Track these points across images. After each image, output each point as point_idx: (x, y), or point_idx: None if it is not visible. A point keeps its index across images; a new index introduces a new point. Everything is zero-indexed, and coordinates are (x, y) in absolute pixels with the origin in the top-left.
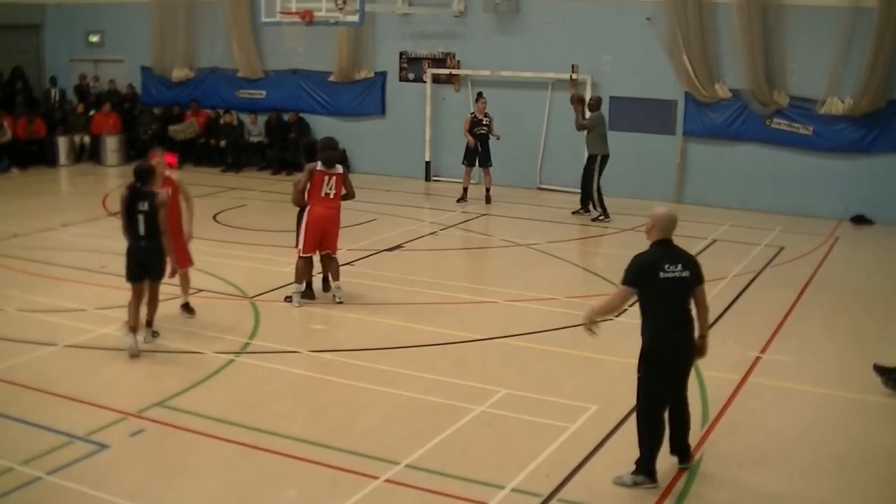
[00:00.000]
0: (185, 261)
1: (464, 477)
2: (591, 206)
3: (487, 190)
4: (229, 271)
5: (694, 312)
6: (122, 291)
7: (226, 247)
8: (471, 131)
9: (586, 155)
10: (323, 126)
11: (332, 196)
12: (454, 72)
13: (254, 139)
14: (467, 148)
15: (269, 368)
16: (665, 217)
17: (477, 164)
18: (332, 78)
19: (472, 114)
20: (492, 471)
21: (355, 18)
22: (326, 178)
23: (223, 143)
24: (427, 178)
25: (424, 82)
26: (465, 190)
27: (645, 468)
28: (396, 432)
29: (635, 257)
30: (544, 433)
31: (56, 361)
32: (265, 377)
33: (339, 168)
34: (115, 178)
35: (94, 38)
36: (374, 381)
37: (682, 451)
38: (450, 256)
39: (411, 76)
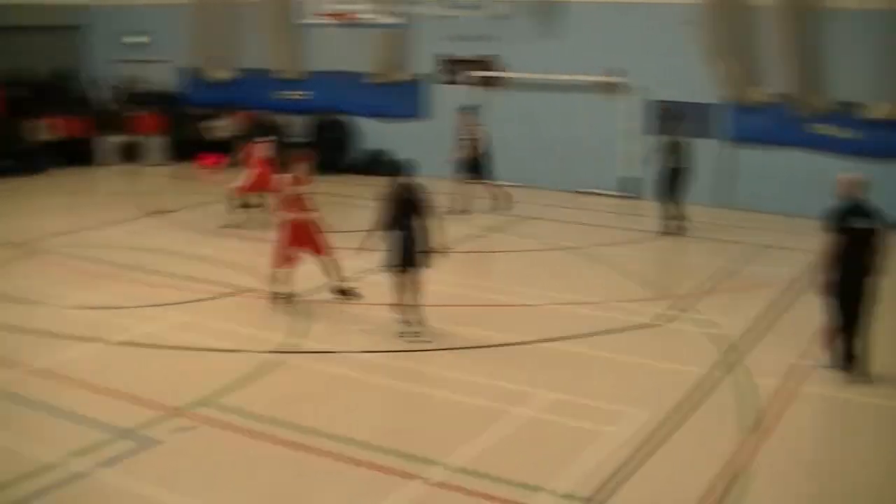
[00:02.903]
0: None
1: (505, 479)
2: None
3: (495, 199)
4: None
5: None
6: (166, 290)
7: (267, 246)
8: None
9: (671, 168)
10: (361, 127)
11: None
12: (494, 74)
13: (296, 140)
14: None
15: (315, 368)
16: (846, 182)
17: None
18: (372, 79)
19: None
20: (533, 473)
21: (396, 20)
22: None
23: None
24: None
25: (464, 85)
26: (466, 202)
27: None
28: (439, 433)
29: (829, 210)
30: (586, 437)
31: (105, 357)
32: (311, 377)
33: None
34: (156, 178)
35: (138, 40)
36: (418, 382)
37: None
38: (492, 259)
39: (451, 79)
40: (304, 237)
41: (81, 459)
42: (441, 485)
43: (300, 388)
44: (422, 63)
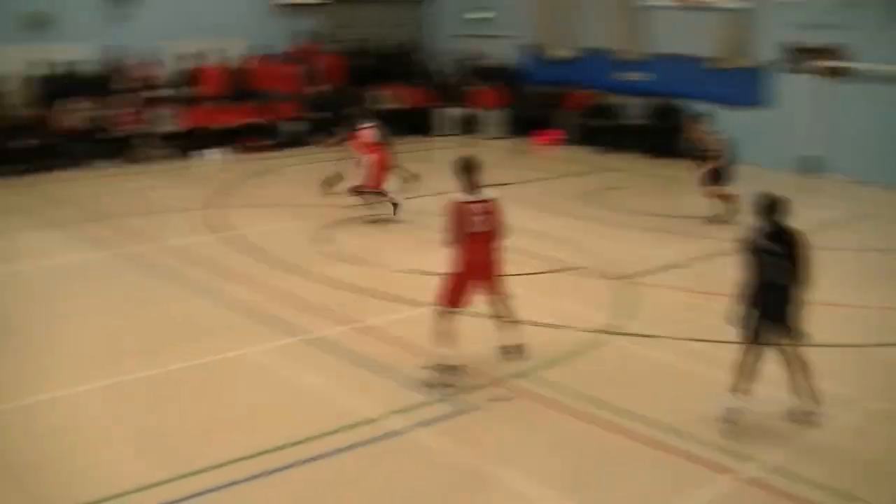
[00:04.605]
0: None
1: (821, 484)
2: None
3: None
4: (604, 251)
5: None
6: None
7: (601, 227)
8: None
9: None
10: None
11: None
12: (842, 64)
13: (633, 122)
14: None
15: (636, 351)
16: None
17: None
18: (712, 64)
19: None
20: (852, 482)
21: (741, 4)
22: None
23: (606, 123)
24: (807, 173)
25: (809, 74)
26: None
27: None
28: (758, 429)
29: None
30: None
31: (431, 322)
32: (632, 359)
33: None
34: (493, 151)
35: (483, 16)
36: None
37: None
38: (838, 257)
39: (795, 66)
40: (480, 269)
41: (399, 417)
42: (754, 482)
43: (620, 370)
44: (765, 49)
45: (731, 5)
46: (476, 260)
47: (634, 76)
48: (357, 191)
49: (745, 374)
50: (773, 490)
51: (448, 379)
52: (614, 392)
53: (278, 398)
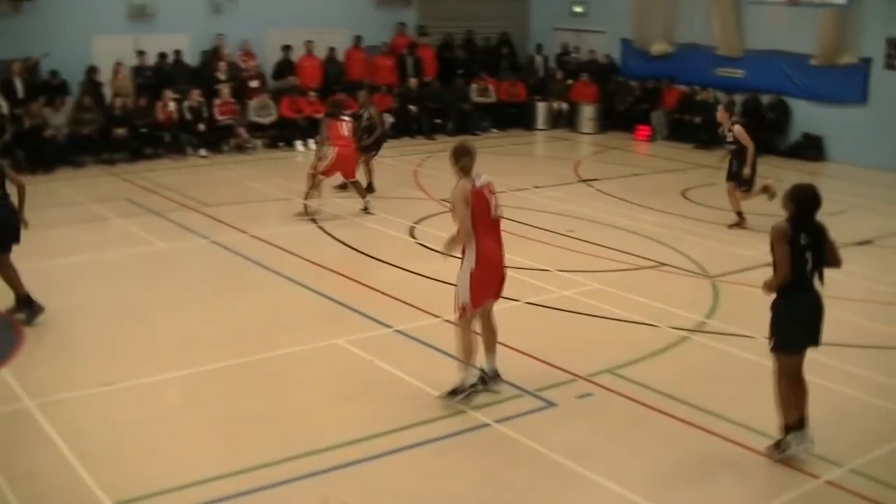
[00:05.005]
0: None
1: None
2: None
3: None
4: (692, 248)
5: None
6: (586, 256)
7: (690, 223)
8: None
9: None
10: (798, 110)
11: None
12: None
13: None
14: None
15: (721, 350)
16: None
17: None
18: (813, 61)
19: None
20: None
21: (842, 0)
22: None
23: (698, 119)
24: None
25: None
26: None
27: None
28: (844, 434)
29: None
30: None
31: (516, 316)
32: (716, 358)
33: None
34: (588, 146)
35: (579, 9)
36: (825, 377)
37: None
38: None
39: None
40: (497, 261)
41: (486, 410)
42: (839, 486)
43: (704, 369)
44: (869, 46)
45: (833, 1)
46: (494, 251)
47: (733, 72)
48: (312, 177)
49: (789, 401)
50: (859, 495)
51: (475, 394)
52: (699, 391)
53: (365, 389)
